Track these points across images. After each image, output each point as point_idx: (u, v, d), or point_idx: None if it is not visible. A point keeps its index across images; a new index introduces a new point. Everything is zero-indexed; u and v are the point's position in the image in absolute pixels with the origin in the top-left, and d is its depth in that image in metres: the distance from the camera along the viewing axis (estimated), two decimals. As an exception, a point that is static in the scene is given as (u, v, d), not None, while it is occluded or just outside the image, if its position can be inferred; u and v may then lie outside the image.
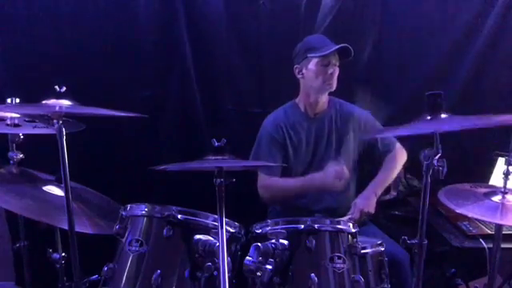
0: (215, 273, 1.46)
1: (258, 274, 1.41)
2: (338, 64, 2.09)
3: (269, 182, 2.13)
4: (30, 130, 1.78)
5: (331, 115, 2.20)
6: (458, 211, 1.53)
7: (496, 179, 2.16)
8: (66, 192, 1.38)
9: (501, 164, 2.16)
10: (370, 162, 2.26)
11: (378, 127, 2.24)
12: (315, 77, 2.09)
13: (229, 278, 1.37)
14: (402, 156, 2.24)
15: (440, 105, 1.38)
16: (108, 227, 1.61)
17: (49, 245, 1.77)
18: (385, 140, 2.22)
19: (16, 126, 1.78)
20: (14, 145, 1.85)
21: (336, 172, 1.97)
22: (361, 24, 2.50)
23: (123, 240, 1.55)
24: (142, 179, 2.29)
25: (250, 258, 1.43)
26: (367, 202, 2.05)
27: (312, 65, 2.08)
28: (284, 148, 2.17)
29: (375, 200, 2.09)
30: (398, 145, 2.24)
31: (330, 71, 2.06)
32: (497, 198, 1.58)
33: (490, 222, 1.93)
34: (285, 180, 2.14)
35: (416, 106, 1.43)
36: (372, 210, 2.06)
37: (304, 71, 2.12)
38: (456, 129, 1.47)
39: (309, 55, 2.08)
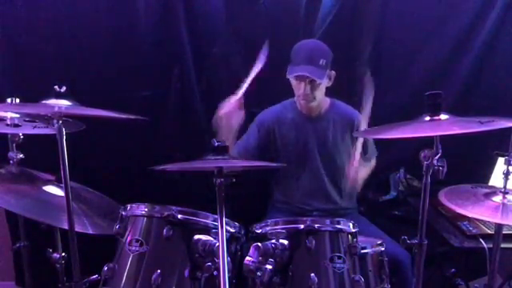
0: (215, 273, 1.46)
1: (258, 273, 1.41)
2: (318, 81, 2.00)
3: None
4: (30, 130, 1.78)
5: (330, 118, 2.17)
6: (458, 211, 1.53)
7: (496, 179, 2.16)
8: (66, 192, 1.38)
9: (501, 164, 2.16)
10: None
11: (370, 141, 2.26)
12: (294, 89, 2.10)
13: (229, 278, 1.37)
14: (369, 170, 2.26)
15: (439, 105, 1.38)
16: (108, 227, 1.62)
17: (49, 245, 1.77)
18: (372, 148, 2.26)
19: (16, 126, 1.77)
20: (14, 145, 1.86)
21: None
22: (361, 24, 2.50)
23: (123, 240, 1.55)
24: (142, 179, 2.29)
25: (250, 258, 1.42)
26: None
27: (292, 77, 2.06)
28: (268, 136, 2.17)
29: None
30: (374, 160, 2.29)
31: (301, 89, 2.03)
32: (497, 199, 1.58)
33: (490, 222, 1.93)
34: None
35: (416, 106, 1.43)
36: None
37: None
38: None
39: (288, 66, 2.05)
